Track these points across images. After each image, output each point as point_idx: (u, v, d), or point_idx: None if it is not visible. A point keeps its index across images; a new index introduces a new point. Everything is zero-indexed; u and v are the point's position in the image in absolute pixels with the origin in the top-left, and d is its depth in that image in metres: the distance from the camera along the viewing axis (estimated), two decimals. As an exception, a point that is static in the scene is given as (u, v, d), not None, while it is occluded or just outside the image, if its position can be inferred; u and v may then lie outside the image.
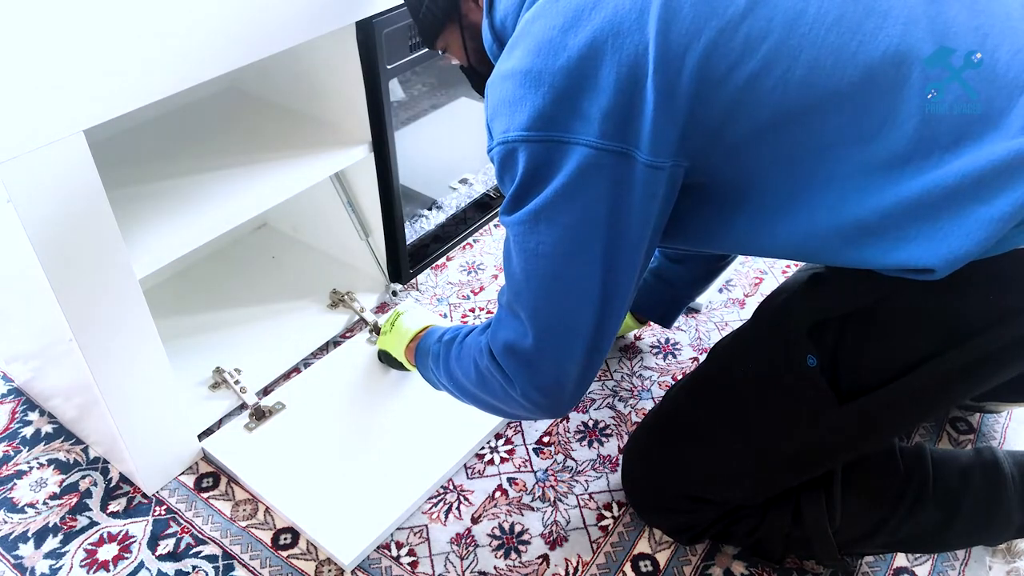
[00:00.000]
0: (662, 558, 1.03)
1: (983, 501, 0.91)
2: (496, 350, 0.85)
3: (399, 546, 1.05)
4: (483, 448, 1.18)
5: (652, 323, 1.36)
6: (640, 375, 1.30)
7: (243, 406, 1.22)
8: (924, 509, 0.90)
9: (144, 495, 1.12)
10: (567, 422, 1.22)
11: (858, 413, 0.82)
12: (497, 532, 1.07)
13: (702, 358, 1.32)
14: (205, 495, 1.12)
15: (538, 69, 0.71)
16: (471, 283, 1.51)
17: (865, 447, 0.90)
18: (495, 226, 1.66)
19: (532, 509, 1.10)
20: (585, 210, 0.73)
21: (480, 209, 1.64)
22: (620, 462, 1.14)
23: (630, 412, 1.23)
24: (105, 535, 1.07)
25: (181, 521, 1.08)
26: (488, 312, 1.44)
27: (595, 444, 1.18)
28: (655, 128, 0.70)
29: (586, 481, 1.13)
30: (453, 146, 1.68)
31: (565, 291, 0.78)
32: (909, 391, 0.79)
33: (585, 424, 1.21)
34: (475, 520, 1.08)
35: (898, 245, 0.71)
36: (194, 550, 1.05)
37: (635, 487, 1.05)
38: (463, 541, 1.06)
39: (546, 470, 1.15)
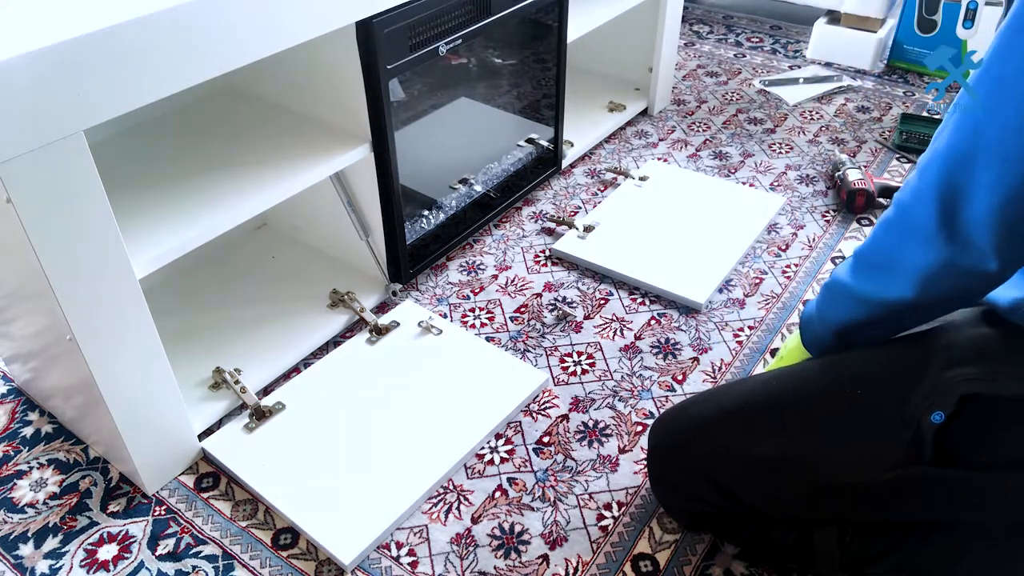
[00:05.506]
0: (662, 558, 1.03)
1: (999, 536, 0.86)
2: None
3: (399, 546, 1.05)
4: (483, 448, 1.18)
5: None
6: (640, 375, 1.30)
7: (243, 406, 1.22)
8: (940, 539, 0.86)
9: (144, 495, 1.12)
10: (567, 422, 1.22)
11: (939, 482, 0.76)
12: (497, 532, 1.07)
13: (702, 358, 1.32)
14: (205, 495, 1.12)
15: None
16: (471, 283, 1.51)
17: (919, 517, 0.83)
18: (495, 226, 1.66)
19: (532, 509, 1.10)
20: None
21: (480, 209, 1.64)
22: (649, 427, 1.09)
23: (630, 412, 1.23)
24: (105, 535, 1.07)
25: (181, 521, 1.08)
26: (488, 312, 1.44)
27: (595, 444, 1.18)
28: None
29: (586, 481, 1.13)
30: (453, 146, 1.67)
31: None
32: (1009, 488, 0.73)
33: (585, 424, 1.21)
34: (475, 520, 1.08)
35: None
36: (194, 550, 1.05)
37: (665, 457, 1.00)
38: (463, 541, 1.06)
39: (546, 470, 1.15)
